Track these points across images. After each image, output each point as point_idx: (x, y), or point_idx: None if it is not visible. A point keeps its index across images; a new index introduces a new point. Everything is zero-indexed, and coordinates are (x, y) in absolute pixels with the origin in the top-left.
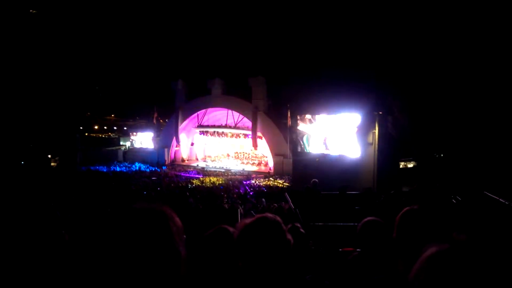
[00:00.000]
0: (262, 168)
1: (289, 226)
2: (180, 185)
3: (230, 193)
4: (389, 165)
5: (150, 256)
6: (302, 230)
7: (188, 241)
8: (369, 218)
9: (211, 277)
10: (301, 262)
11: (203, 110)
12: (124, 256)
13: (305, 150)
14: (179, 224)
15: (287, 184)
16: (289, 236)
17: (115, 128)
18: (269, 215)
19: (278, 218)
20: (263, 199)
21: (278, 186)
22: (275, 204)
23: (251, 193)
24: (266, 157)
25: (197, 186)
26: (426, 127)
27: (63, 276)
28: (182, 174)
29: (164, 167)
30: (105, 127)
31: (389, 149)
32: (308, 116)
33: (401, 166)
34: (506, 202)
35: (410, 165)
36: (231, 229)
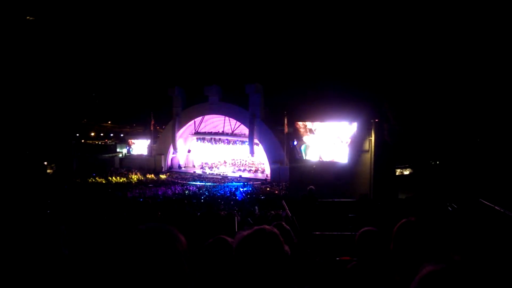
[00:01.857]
0: (259, 175)
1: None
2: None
3: (227, 200)
4: (385, 172)
5: (159, 277)
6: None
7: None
8: (366, 228)
9: (211, 284)
10: (299, 271)
11: (200, 117)
12: (133, 278)
13: (303, 158)
14: (184, 243)
15: (284, 191)
16: (286, 248)
17: (111, 135)
18: (267, 227)
19: (276, 230)
20: (256, 207)
21: (275, 193)
22: (272, 212)
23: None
24: (263, 164)
25: (194, 193)
26: (422, 134)
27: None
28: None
29: (161, 174)
30: (101, 134)
31: (385, 156)
32: (309, 126)
33: (397, 173)
34: (502, 210)
35: (406, 172)
36: (229, 239)
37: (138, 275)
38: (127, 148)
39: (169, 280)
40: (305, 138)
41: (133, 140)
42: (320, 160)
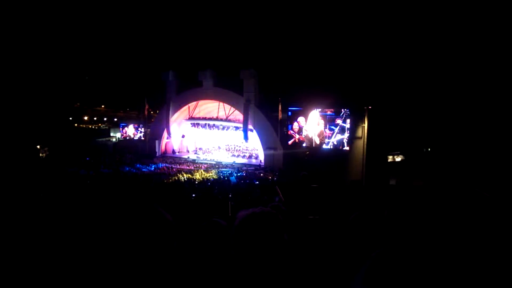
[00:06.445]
0: (253, 161)
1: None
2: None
3: (221, 185)
4: (378, 158)
5: (146, 251)
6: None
7: (180, 231)
8: (357, 212)
9: (204, 266)
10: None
11: (194, 102)
12: (123, 252)
13: (296, 143)
14: (168, 219)
15: (277, 177)
16: (285, 227)
17: (105, 119)
18: (267, 209)
19: (275, 212)
20: (258, 190)
21: (269, 179)
22: (265, 197)
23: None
24: (257, 149)
25: (189, 179)
26: (415, 121)
27: (62, 271)
28: (174, 166)
29: (154, 159)
30: (95, 118)
31: (377, 142)
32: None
33: (389, 160)
34: (488, 195)
35: (398, 158)
36: (223, 222)
37: (127, 249)
38: (121, 132)
39: (156, 253)
40: (300, 122)
41: (125, 124)
42: (316, 145)
